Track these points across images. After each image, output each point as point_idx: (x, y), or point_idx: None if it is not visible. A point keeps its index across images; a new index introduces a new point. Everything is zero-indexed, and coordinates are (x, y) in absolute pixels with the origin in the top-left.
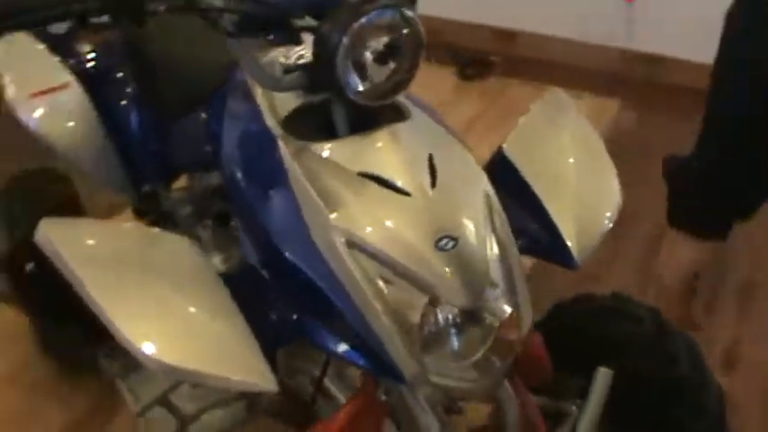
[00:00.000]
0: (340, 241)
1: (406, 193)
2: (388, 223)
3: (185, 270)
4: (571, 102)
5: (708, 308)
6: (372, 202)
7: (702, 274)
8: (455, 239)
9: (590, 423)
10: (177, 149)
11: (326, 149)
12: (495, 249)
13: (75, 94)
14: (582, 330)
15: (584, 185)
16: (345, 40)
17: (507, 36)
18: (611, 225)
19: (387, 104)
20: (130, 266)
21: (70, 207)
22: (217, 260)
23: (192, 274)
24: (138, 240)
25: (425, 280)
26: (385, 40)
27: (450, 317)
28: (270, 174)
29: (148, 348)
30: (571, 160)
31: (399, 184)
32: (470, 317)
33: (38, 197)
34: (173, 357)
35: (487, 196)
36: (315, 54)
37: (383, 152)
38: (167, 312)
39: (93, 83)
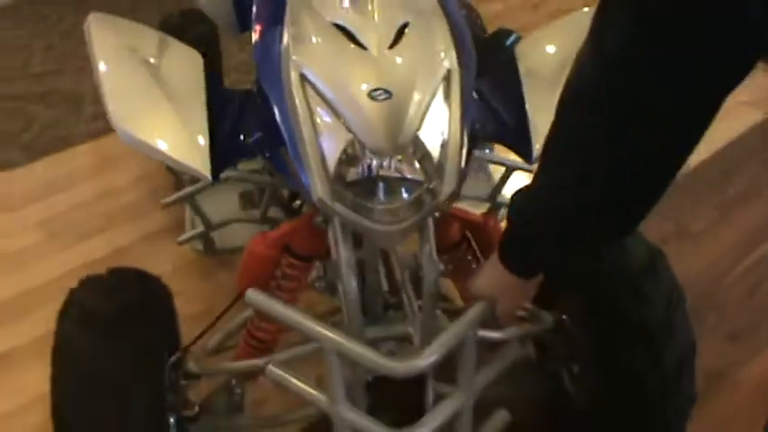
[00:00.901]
0: (294, 74)
1: (363, 47)
2: (337, 68)
3: (181, 77)
4: None
5: None
6: (332, 48)
7: None
8: (389, 93)
9: None
10: None
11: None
12: (437, 117)
13: None
14: None
15: None
16: None
17: None
18: None
19: None
20: (139, 64)
21: (209, 43)
22: None
23: (184, 82)
24: (158, 45)
25: (351, 120)
26: None
27: (374, 162)
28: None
29: (124, 124)
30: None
31: (360, 38)
32: (392, 169)
33: (184, 34)
34: (140, 135)
35: (448, 71)
36: None
37: (360, 11)
38: (150, 105)
39: None
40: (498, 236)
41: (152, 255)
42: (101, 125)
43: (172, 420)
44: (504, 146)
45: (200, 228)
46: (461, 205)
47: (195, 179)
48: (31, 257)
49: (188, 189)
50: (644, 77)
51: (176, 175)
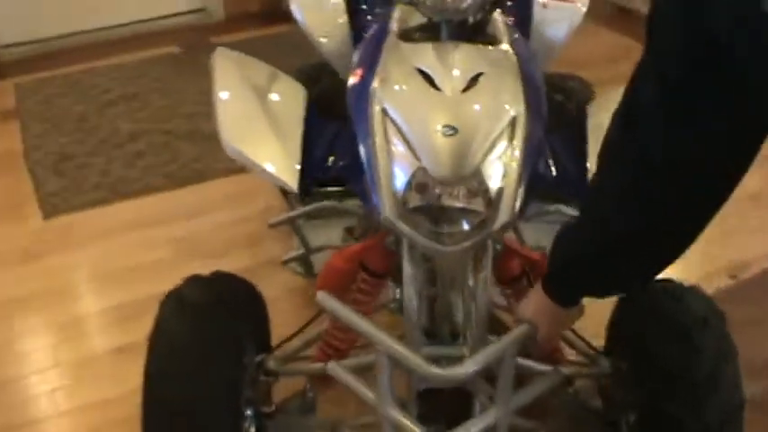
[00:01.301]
0: (377, 108)
1: (439, 89)
2: (414, 105)
3: (285, 106)
4: None
5: None
6: (411, 88)
7: None
8: (456, 130)
9: None
10: None
11: (410, 48)
12: (499, 156)
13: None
14: None
15: None
16: None
17: None
18: None
19: (480, 27)
20: (251, 92)
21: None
22: None
23: (286, 110)
24: (269, 77)
25: (421, 151)
26: None
27: (438, 191)
28: (372, 57)
29: (229, 141)
30: None
31: (437, 82)
32: (454, 198)
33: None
34: (244, 151)
35: (514, 118)
36: None
37: (442, 59)
38: (255, 128)
39: None
40: None
41: (263, 278)
42: (236, 164)
43: (249, 412)
44: (563, 194)
45: (302, 250)
46: None
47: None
48: (163, 268)
49: (292, 213)
50: (663, 131)
51: (289, 203)
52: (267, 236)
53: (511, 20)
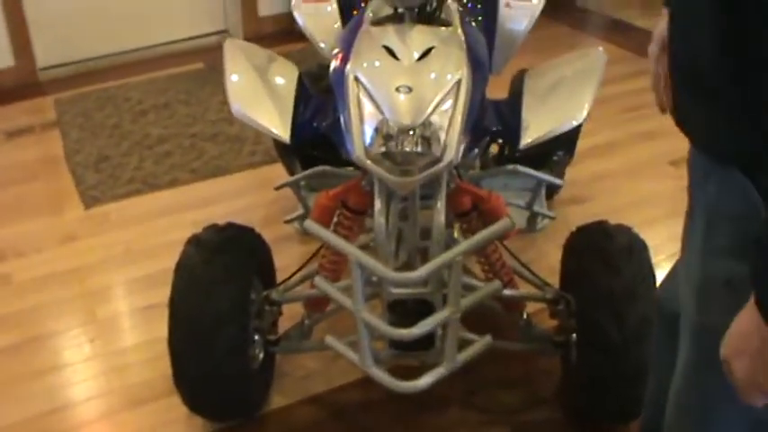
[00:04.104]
0: (351, 77)
1: (398, 59)
2: (379, 72)
3: (280, 81)
4: (602, 59)
5: None
6: (377, 60)
7: None
8: (410, 89)
9: None
10: None
11: (379, 30)
12: (446, 109)
13: (333, 7)
14: None
15: (559, 106)
16: None
17: None
18: (560, 132)
19: (434, 15)
20: (254, 72)
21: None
22: None
23: (281, 84)
24: (268, 59)
25: (383, 106)
26: None
27: (398, 138)
28: (350, 41)
29: (236, 105)
30: (563, 88)
31: (397, 53)
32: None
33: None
34: (246, 112)
35: (459, 81)
36: None
37: (401, 37)
38: (255, 96)
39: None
40: (500, 208)
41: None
42: (256, 159)
43: (257, 338)
44: (505, 139)
45: (301, 211)
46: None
47: None
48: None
49: (293, 178)
50: None
51: (290, 172)
52: (279, 218)
53: (480, 18)
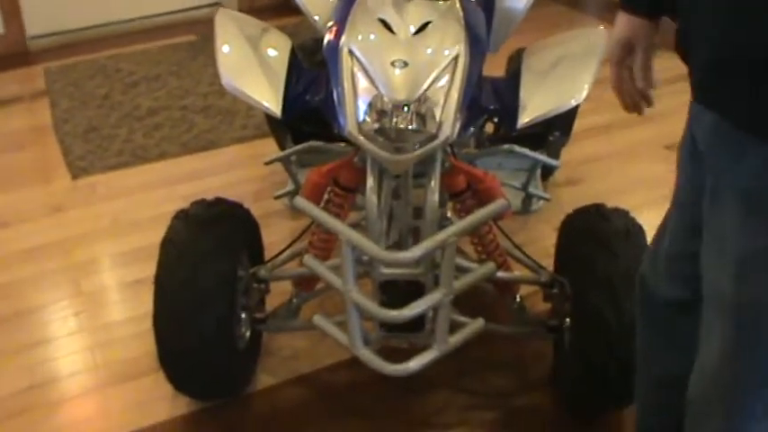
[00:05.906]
0: (345, 50)
1: (394, 33)
2: (374, 46)
3: (273, 53)
4: (603, 38)
5: None
6: (372, 33)
7: None
8: (406, 63)
9: None
10: None
11: (375, 3)
12: (442, 85)
13: None
14: None
15: (558, 86)
16: None
17: None
18: (560, 111)
19: None
20: (246, 44)
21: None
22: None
23: (274, 57)
24: (262, 31)
25: (378, 80)
26: None
27: (392, 113)
28: (345, 13)
29: (227, 78)
30: (562, 67)
31: (393, 27)
32: (404, 120)
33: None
34: (237, 85)
35: (457, 56)
36: None
37: (398, 10)
38: (248, 69)
39: None
40: (496, 189)
41: (267, 226)
42: (247, 133)
43: (244, 316)
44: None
45: (292, 187)
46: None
47: None
48: None
49: (283, 153)
50: None
51: (281, 146)
52: (269, 193)
53: None
